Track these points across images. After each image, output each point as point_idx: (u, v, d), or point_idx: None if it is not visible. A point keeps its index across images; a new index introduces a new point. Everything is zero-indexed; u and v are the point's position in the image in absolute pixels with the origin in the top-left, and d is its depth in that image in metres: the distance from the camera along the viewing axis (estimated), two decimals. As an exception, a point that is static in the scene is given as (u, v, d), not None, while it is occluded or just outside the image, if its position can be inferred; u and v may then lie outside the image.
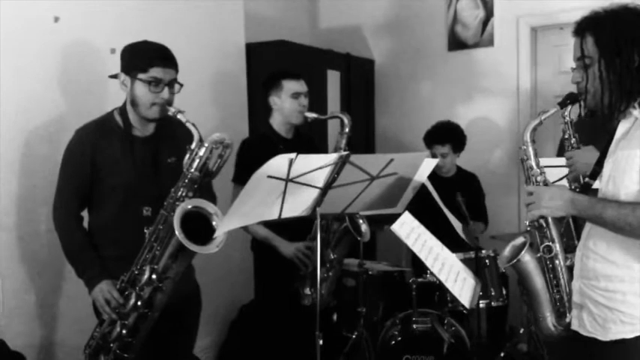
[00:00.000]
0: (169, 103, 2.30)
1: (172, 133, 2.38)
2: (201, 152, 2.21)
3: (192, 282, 2.57)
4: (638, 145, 1.69)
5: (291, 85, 3.01)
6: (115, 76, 2.37)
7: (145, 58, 2.28)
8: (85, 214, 2.43)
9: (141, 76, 2.27)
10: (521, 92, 4.39)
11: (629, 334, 1.71)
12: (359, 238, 2.87)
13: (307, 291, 2.89)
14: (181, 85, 2.36)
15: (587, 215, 1.77)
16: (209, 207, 2.20)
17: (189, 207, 2.16)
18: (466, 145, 3.90)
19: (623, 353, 1.73)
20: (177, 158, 2.35)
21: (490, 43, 4.46)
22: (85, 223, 2.42)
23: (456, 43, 4.59)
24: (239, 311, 3.91)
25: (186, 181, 2.21)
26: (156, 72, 2.27)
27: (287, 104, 3.01)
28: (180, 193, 2.21)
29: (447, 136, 3.82)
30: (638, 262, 1.70)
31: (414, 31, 4.75)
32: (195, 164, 2.21)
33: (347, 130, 2.95)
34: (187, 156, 2.22)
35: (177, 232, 2.08)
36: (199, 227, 2.16)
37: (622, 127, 1.80)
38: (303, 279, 2.89)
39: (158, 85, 2.27)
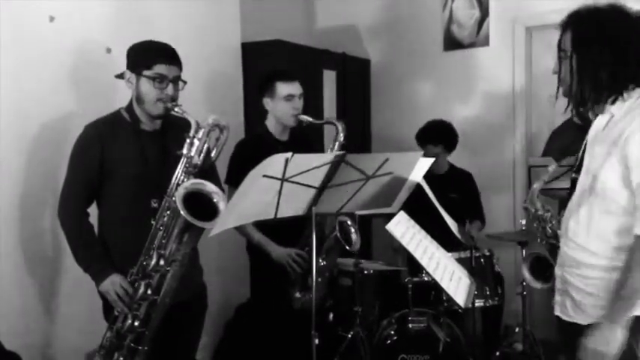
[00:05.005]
0: (174, 99, 2.35)
1: (179, 127, 2.41)
2: (200, 135, 2.26)
3: (199, 283, 2.60)
4: (613, 144, 1.74)
5: (284, 88, 2.98)
6: (120, 76, 2.41)
7: (149, 55, 2.34)
8: (92, 210, 2.44)
9: (145, 72, 2.32)
10: (517, 92, 4.40)
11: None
12: (347, 248, 2.87)
13: (297, 294, 2.91)
14: (185, 83, 2.40)
15: (627, 311, 1.70)
16: (208, 186, 2.23)
17: (190, 185, 2.20)
18: (459, 144, 3.91)
19: None
20: None
21: (485, 42, 4.47)
22: (93, 219, 2.44)
23: (452, 42, 4.60)
24: (235, 311, 3.91)
25: (186, 165, 2.25)
26: (160, 69, 2.32)
27: (280, 107, 2.98)
28: (181, 178, 2.25)
29: (439, 136, 3.82)
30: (617, 252, 1.76)
31: (409, 31, 4.76)
32: (194, 148, 2.26)
33: (341, 137, 2.91)
34: (187, 142, 2.26)
35: (180, 210, 2.11)
36: (202, 208, 2.18)
37: (598, 122, 1.85)
38: (293, 283, 2.91)
39: (162, 81, 2.33)
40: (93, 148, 2.35)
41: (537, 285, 2.94)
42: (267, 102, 3.03)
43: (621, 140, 1.72)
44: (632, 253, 1.71)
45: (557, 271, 1.93)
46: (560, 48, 1.83)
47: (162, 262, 2.22)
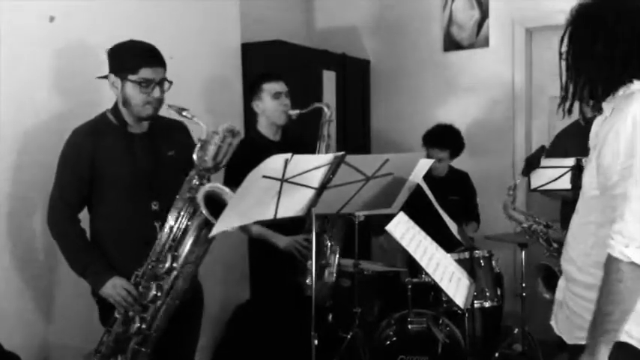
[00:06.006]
0: (161, 101, 2.34)
1: (166, 128, 2.41)
2: (216, 140, 2.25)
3: (194, 282, 2.58)
4: (594, 147, 1.68)
5: (270, 87, 3.06)
6: (105, 77, 2.38)
7: (133, 59, 2.30)
8: (82, 216, 2.42)
9: (131, 77, 2.29)
10: (516, 93, 4.40)
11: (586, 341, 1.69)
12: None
13: (309, 281, 2.90)
14: (171, 83, 2.37)
15: (600, 338, 1.60)
16: (229, 192, 2.24)
17: (210, 188, 2.21)
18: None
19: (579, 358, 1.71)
20: (175, 151, 2.42)
21: (485, 43, 4.47)
22: (84, 225, 2.41)
23: (452, 43, 4.60)
24: (234, 311, 3.91)
25: (201, 169, 2.25)
26: (145, 73, 2.29)
27: (269, 105, 3.05)
28: (194, 182, 2.24)
29: (448, 141, 3.81)
30: (598, 269, 1.64)
31: (409, 31, 4.76)
32: (209, 153, 2.25)
33: (328, 116, 2.99)
34: (198, 146, 2.25)
35: (202, 209, 2.14)
36: (215, 209, 2.19)
37: (596, 122, 1.80)
38: (303, 271, 2.90)
39: (149, 85, 2.30)
40: (81, 152, 2.31)
41: (548, 296, 2.93)
42: (257, 104, 3.10)
43: (599, 146, 1.65)
44: (604, 274, 1.59)
45: (561, 282, 1.87)
46: (560, 44, 1.79)
47: (175, 264, 2.22)
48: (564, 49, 1.77)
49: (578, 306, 1.73)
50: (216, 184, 2.25)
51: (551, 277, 3.01)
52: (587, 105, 1.77)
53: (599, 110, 1.76)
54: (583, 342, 1.68)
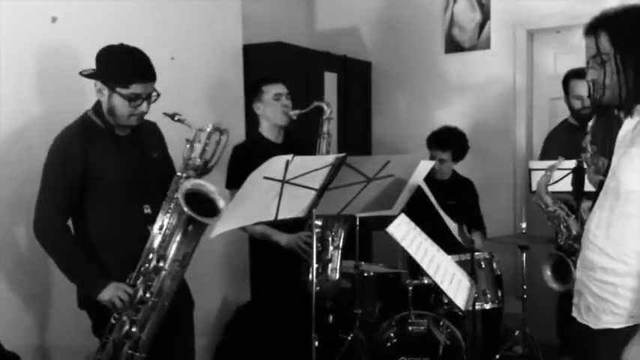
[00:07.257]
0: (145, 113, 2.32)
1: (146, 130, 2.40)
2: (202, 138, 2.25)
3: (182, 284, 2.56)
4: (630, 145, 1.74)
5: (270, 89, 3.08)
6: (89, 76, 2.30)
7: (125, 73, 2.25)
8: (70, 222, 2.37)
9: (120, 90, 2.24)
10: (518, 95, 4.40)
11: (616, 325, 1.77)
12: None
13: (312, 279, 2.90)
14: (158, 95, 2.33)
15: None
16: (208, 185, 2.24)
17: (190, 185, 2.20)
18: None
19: (607, 342, 1.79)
20: (158, 153, 2.44)
21: (487, 46, 4.48)
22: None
23: (453, 45, 4.61)
24: (235, 313, 3.91)
25: (188, 169, 2.25)
26: (136, 88, 2.25)
27: (270, 107, 3.07)
28: (182, 181, 2.23)
29: (450, 143, 3.80)
30: (632, 257, 1.75)
31: (411, 33, 4.76)
32: (196, 151, 2.25)
33: (328, 114, 3.01)
34: (187, 147, 2.25)
35: (183, 206, 2.12)
36: (203, 207, 2.19)
37: (629, 123, 1.84)
38: (307, 269, 2.90)
39: (137, 99, 2.26)
40: (75, 155, 2.26)
41: (555, 286, 2.96)
42: (258, 106, 3.11)
43: None
44: None
45: (577, 273, 1.93)
46: (599, 53, 1.80)
47: (161, 264, 2.21)
48: (608, 55, 1.79)
49: (606, 292, 1.79)
50: (197, 181, 2.22)
51: (560, 267, 3.04)
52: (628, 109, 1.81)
53: (631, 113, 1.82)
54: (610, 326, 1.77)
